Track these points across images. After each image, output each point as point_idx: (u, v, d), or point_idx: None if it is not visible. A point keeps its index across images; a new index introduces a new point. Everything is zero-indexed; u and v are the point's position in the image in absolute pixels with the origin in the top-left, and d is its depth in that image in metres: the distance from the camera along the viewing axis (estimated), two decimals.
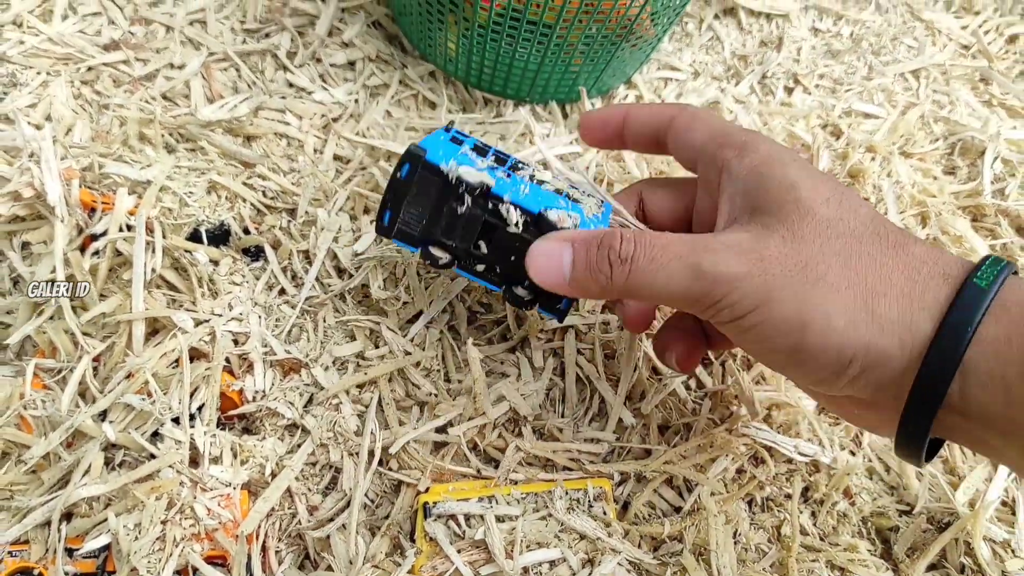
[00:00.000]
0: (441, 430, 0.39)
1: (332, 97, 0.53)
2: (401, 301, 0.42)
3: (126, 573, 0.33)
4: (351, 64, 0.56)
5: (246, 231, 0.45)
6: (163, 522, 0.34)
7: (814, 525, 0.39)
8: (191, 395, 0.38)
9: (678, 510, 0.39)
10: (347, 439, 0.38)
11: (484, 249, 0.35)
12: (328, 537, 0.36)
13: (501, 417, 0.39)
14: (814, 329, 0.27)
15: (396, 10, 0.57)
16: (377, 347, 0.41)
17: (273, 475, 0.37)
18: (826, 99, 0.60)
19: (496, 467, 0.38)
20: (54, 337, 0.40)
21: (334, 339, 0.41)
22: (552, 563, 0.35)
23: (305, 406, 0.40)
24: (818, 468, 0.40)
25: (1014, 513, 0.39)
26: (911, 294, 0.27)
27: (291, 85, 0.53)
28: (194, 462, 0.37)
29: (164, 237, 0.41)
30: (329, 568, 0.36)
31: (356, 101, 0.53)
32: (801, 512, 0.39)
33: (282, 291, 0.43)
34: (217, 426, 0.38)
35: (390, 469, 0.38)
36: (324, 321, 0.42)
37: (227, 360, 0.40)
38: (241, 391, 0.39)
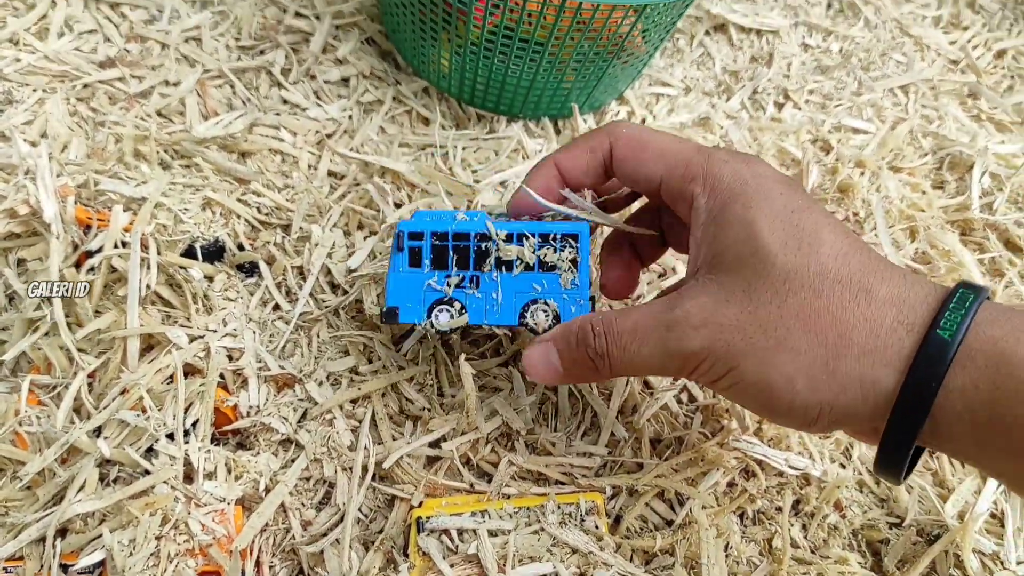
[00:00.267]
0: (434, 445, 0.39)
1: (326, 113, 0.53)
2: None
3: None
4: (345, 81, 0.56)
5: (240, 247, 0.45)
6: (157, 538, 0.34)
7: (805, 538, 0.39)
8: (185, 411, 0.38)
9: (670, 523, 0.39)
10: (341, 454, 0.39)
11: None
12: (322, 552, 0.36)
13: (494, 431, 0.39)
14: (778, 391, 0.28)
15: (389, 27, 0.57)
16: (371, 362, 0.41)
17: (267, 490, 0.38)
18: (816, 114, 0.61)
19: (489, 481, 0.39)
20: (49, 353, 0.40)
21: (328, 354, 0.42)
22: None
23: (299, 421, 0.40)
24: (808, 481, 0.40)
25: (1003, 525, 0.40)
26: (873, 351, 0.27)
27: (285, 102, 0.54)
28: (188, 478, 0.37)
29: (159, 253, 0.41)
30: None
31: (350, 117, 0.54)
32: (792, 525, 0.39)
33: (276, 307, 0.44)
34: (211, 442, 0.39)
35: (384, 484, 0.38)
36: (318, 336, 0.42)
37: (221, 376, 0.40)
38: (235, 407, 0.39)
